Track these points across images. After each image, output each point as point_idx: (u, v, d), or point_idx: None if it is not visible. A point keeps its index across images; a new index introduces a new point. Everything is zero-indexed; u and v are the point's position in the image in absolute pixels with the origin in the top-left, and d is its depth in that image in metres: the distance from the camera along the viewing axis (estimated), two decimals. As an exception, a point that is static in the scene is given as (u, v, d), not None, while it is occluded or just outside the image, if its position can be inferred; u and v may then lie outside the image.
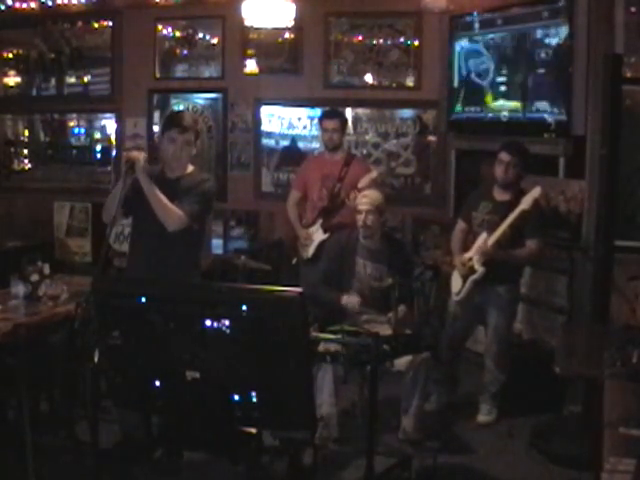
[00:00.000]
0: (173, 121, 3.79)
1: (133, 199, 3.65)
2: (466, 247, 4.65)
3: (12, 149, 7.60)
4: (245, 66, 6.72)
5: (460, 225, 4.78)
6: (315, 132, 6.47)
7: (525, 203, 4.34)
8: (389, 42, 6.41)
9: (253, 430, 2.53)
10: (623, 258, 4.47)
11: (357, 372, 4.05)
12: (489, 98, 5.57)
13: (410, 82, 6.41)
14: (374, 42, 6.45)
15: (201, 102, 6.95)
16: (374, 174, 5.01)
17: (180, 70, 6.97)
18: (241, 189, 6.86)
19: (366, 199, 4.42)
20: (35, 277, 4.04)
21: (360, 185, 4.87)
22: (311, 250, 5.20)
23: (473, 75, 5.75)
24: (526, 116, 5.22)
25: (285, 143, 6.79)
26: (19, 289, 3.99)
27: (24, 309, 3.88)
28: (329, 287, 4.40)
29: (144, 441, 3.29)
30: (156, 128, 6.91)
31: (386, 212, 4.55)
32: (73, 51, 7.18)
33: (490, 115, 5.58)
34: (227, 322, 2.42)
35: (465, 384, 4.95)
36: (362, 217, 4.37)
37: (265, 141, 6.82)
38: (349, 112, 6.38)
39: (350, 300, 4.29)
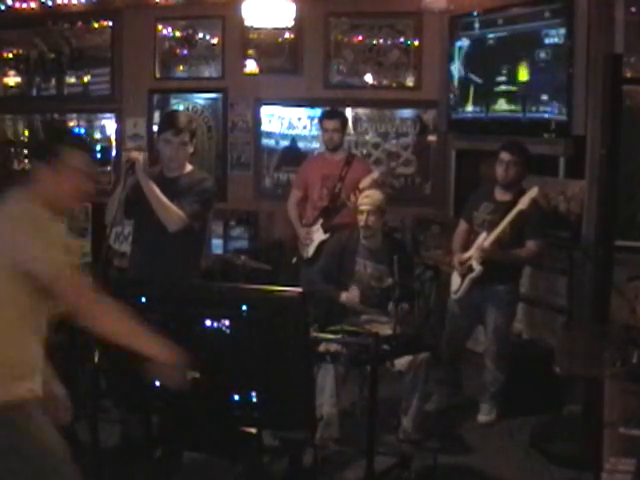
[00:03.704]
0: (167, 123, 3.79)
1: (135, 200, 3.66)
2: (467, 247, 4.65)
3: (12, 149, 7.60)
4: (245, 66, 6.71)
5: (462, 225, 4.77)
6: (315, 132, 6.48)
7: (522, 203, 4.34)
8: (389, 42, 6.41)
9: (253, 430, 2.53)
10: (623, 258, 4.47)
11: (357, 372, 4.06)
12: (489, 98, 5.57)
13: (410, 82, 6.41)
14: (374, 42, 6.44)
15: (201, 102, 6.95)
16: (375, 174, 5.01)
17: (180, 70, 6.97)
18: (241, 189, 6.86)
19: (367, 199, 4.42)
20: (35, 277, 4.03)
21: (361, 185, 4.86)
22: (311, 250, 5.19)
23: (473, 75, 5.74)
24: (526, 116, 5.21)
25: (285, 143, 6.80)
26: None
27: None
28: (328, 285, 4.39)
29: (144, 441, 3.28)
30: (156, 128, 6.90)
31: (387, 212, 4.55)
32: (73, 51, 7.18)
33: (490, 115, 5.57)
34: (227, 322, 2.42)
35: (465, 384, 4.94)
36: (363, 217, 4.37)
37: (265, 141, 6.83)
38: (349, 112, 6.38)
39: (350, 296, 4.28)
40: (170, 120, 3.81)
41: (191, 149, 3.83)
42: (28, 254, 2.35)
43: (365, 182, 4.88)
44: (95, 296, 2.41)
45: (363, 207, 4.40)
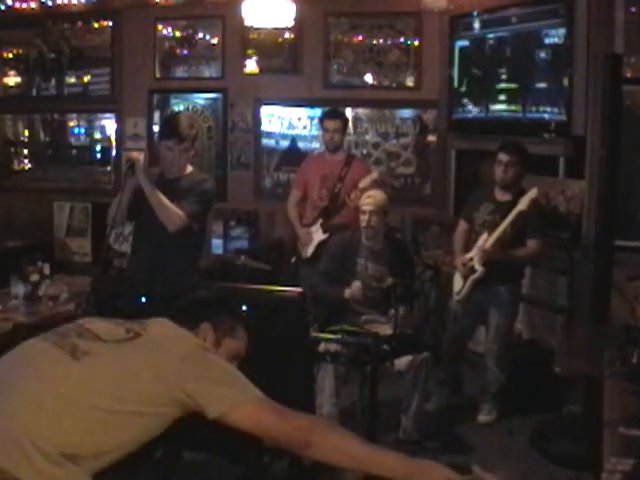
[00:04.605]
0: (169, 131, 3.77)
1: (136, 201, 3.67)
2: (468, 247, 4.65)
3: (12, 149, 7.60)
4: (245, 66, 6.71)
5: (462, 226, 4.78)
6: (315, 132, 6.47)
7: (522, 204, 4.34)
8: (389, 42, 6.41)
9: (253, 430, 2.52)
10: (623, 258, 4.47)
11: (357, 372, 4.05)
12: (489, 98, 5.57)
13: (410, 82, 6.41)
14: (374, 42, 6.44)
15: (201, 102, 6.95)
16: (375, 175, 5.01)
17: (180, 70, 6.97)
18: (241, 189, 6.86)
19: (370, 199, 4.39)
20: (35, 277, 4.04)
21: (361, 186, 4.86)
22: (310, 250, 5.19)
23: (473, 75, 5.74)
24: (526, 116, 5.21)
25: (285, 143, 6.80)
26: (19, 289, 3.99)
27: (24, 309, 3.88)
28: (330, 285, 4.38)
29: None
30: (156, 128, 6.90)
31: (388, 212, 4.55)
32: (73, 51, 7.17)
33: (490, 115, 5.57)
34: (227, 322, 2.41)
35: (465, 384, 4.95)
36: (366, 218, 4.34)
37: (265, 141, 6.83)
38: (349, 112, 6.38)
39: (353, 291, 4.26)
40: (172, 127, 3.78)
41: (192, 152, 3.83)
42: (205, 392, 2.01)
43: (365, 182, 4.88)
44: (301, 420, 1.98)
45: (366, 207, 4.37)
